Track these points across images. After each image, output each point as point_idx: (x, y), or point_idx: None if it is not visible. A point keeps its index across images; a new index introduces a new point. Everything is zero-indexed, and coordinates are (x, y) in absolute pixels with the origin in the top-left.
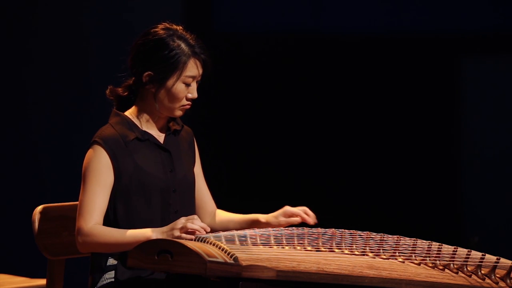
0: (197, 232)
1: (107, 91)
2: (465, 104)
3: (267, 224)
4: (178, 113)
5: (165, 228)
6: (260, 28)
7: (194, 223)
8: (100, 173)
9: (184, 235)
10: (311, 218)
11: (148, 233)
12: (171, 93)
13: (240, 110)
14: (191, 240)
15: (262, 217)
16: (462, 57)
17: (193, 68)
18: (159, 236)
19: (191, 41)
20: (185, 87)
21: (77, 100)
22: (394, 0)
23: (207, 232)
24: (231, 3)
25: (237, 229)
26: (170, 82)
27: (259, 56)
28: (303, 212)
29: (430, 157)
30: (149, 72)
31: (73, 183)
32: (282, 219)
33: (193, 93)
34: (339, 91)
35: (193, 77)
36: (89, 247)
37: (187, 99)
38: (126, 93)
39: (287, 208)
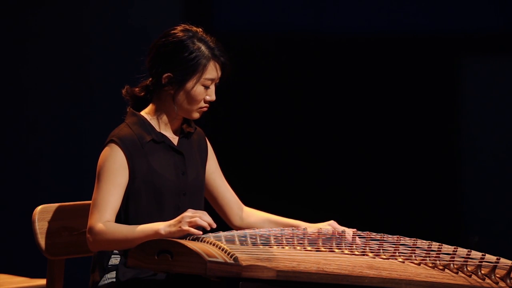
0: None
1: (123, 91)
2: (465, 104)
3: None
4: (196, 115)
5: (172, 222)
6: (260, 27)
7: (203, 218)
8: (115, 172)
9: (192, 229)
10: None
11: (156, 226)
12: (190, 96)
13: (239, 109)
14: (200, 235)
15: (303, 225)
16: (462, 57)
17: (212, 71)
18: (167, 229)
19: (211, 43)
20: (204, 90)
21: (77, 100)
22: (394, 0)
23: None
24: (231, 3)
25: None
26: (189, 85)
27: (259, 55)
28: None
29: (430, 157)
30: (169, 74)
31: (73, 183)
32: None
33: (211, 95)
34: (339, 91)
35: (212, 80)
36: (100, 246)
37: (205, 102)
38: (142, 93)
39: (333, 225)
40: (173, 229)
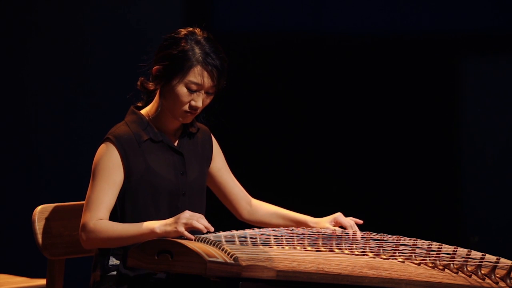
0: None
1: (138, 82)
2: (465, 104)
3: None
4: (181, 118)
5: (169, 221)
6: (260, 27)
7: (199, 221)
8: (110, 170)
9: (186, 233)
10: (356, 232)
11: (151, 225)
12: (173, 94)
13: (239, 110)
14: (191, 239)
15: (311, 221)
16: (462, 57)
17: (197, 75)
18: (162, 228)
19: (207, 49)
20: (188, 93)
21: (77, 100)
22: (394, 0)
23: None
24: (231, 3)
25: (279, 225)
26: (173, 83)
27: (259, 55)
28: (351, 226)
29: (430, 157)
30: (159, 67)
31: (73, 183)
32: (330, 226)
33: (196, 101)
34: (339, 91)
35: (197, 85)
36: (93, 243)
37: (191, 107)
38: (153, 88)
39: (339, 218)
40: (169, 228)
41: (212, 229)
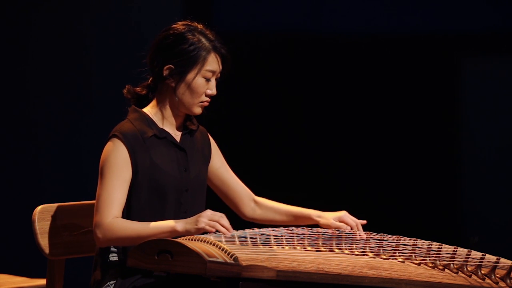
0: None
1: (125, 90)
2: (465, 104)
3: (317, 222)
4: (197, 110)
5: (189, 220)
6: (260, 27)
7: (221, 222)
8: (119, 167)
9: (208, 227)
10: (361, 233)
11: (171, 223)
12: (191, 87)
13: (239, 109)
14: (213, 232)
15: (315, 214)
16: (462, 57)
17: (213, 63)
18: (183, 227)
19: (211, 36)
20: (205, 82)
21: (77, 100)
22: (394, 0)
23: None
24: (231, 3)
25: (283, 221)
26: (190, 76)
27: (258, 55)
28: (356, 226)
29: (430, 157)
30: (170, 66)
31: (73, 183)
32: (334, 222)
33: (212, 89)
34: (339, 91)
35: (213, 72)
36: (109, 242)
37: (206, 95)
38: (144, 92)
39: (344, 217)
40: (189, 226)
41: (232, 231)
